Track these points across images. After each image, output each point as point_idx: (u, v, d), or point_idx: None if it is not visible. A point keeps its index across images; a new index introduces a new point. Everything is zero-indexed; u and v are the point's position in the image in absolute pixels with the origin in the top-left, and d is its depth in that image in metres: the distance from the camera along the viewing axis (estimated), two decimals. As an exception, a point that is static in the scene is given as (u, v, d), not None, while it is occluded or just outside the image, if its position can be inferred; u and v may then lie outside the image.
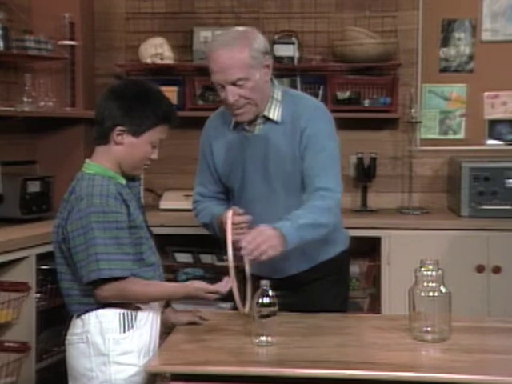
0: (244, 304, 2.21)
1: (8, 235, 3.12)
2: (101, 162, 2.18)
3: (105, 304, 2.12)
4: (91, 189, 2.10)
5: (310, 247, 2.46)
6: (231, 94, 2.36)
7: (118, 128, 2.16)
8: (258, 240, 2.21)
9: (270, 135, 2.48)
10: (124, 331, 2.13)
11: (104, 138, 2.19)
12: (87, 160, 2.23)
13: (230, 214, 2.29)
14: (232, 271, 2.17)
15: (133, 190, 2.25)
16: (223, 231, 2.31)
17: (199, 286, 2.19)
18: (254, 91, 2.39)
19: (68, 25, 4.04)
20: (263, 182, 2.48)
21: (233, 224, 2.27)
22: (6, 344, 3.05)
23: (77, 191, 2.13)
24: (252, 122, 2.48)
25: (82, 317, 2.15)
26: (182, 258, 4.11)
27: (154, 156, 2.24)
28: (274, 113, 2.48)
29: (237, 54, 2.35)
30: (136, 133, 2.17)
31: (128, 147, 2.18)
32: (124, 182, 2.20)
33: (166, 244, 4.01)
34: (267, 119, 2.48)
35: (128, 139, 2.17)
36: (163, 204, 4.14)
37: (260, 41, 2.41)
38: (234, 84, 2.35)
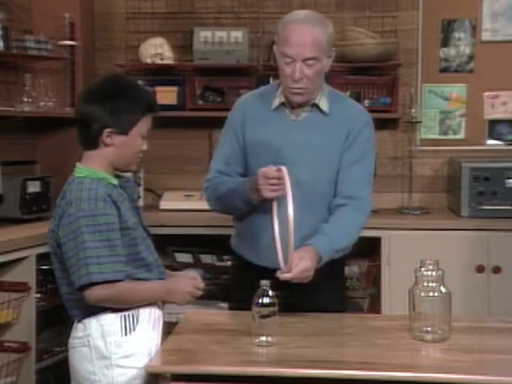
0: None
1: (8, 235, 3.12)
2: (91, 165, 2.17)
3: (106, 307, 2.11)
4: (79, 193, 2.09)
5: None
6: (300, 70, 2.38)
7: (107, 130, 2.14)
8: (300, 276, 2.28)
9: (315, 124, 2.50)
10: (126, 334, 2.12)
11: (92, 143, 2.17)
12: (78, 163, 2.21)
13: (284, 168, 2.27)
14: (291, 224, 2.17)
15: (127, 190, 2.23)
16: (255, 188, 2.35)
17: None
18: (316, 76, 2.42)
19: (68, 25, 4.04)
20: (296, 167, 2.43)
21: (269, 179, 2.30)
22: (6, 344, 3.05)
23: (67, 196, 2.13)
24: (299, 107, 2.50)
25: (84, 321, 2.14)
26: (182, 258, 4.11)
27: (145, 147, 2.22)
28: (324, 104, 2.51)
29: (318, 33, 2.39)
30: (125, 130, 2.15)
31: (119, 147, 2.16)
32: (115, 182, 2.18)
33: (166, 244, 4.01)
34: (316, 108, 2.50)
35: (118, 139, 2.15)
36: (163, 204, 4.14)
37: (332, 31, 2.47)
38: (305, 61, 2.38)
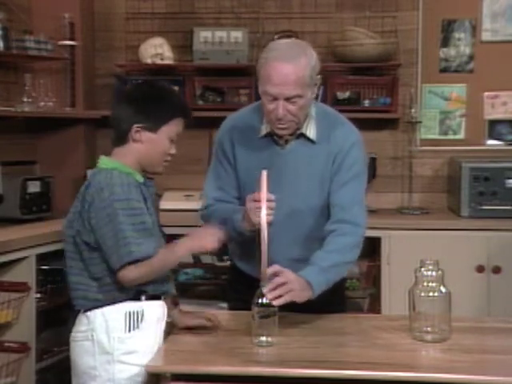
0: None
1: (8, 235, 3.11)
2: (119, 160, 2.20)
3: (112, 302, 2.13)
4: (110, 180, 2.12)
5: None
6: (283, 108, 2.30)
7: (136, 126, 2.18)
8: (283, 291, 2.13)
9: (302, 153, 2.43)
10: (129, 331, 2.14)
11: (122, 139, 2.21)
12: (102, 156, 2.24)
13: (265, 172, 2.20)
14: (265, 232, 2.12)
15: (149, 189, 2.27)
16: (247, 216, 2.28)
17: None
18: (302, 109, 2.34)
19: (68, 25, 4.05)
20: (287, 197, 2.39)
21: (256, 201, 2.23)
22: (6, 344, 3.05)
23: (95, 184, 2.14)
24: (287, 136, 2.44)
25: (88, 314, 2.16)
26: (182, 258, 4.10)
27: (173, 151, 2.26)
28: (311, 131, 2.43)
29: (301, 70, 2.28)
30: (154, 128, 2.19)
31: (147, 144, 2.20)
32: (142, 179, 2.22)
33: (166, 244, 4.00)
34: (302, 136, 2.43)
35: (146, 136, 2.19)
36: (163, 204, 4.13)
37: (316, 59, 2.36)
38: (287, 99, 2.29)
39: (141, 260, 2.09)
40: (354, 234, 2.38)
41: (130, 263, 2.08)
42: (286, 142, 2.45)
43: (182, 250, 2.25)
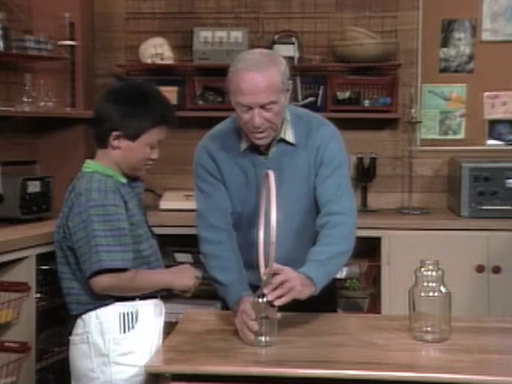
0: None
1: (8, 235, 3.11)
2: (101, 162, 2.21)
3: (105, 303, 2.13)
4: (90, 185, 2.13)
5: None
6: (259, 116, 2.30)
7: (114, 133, 2.17)
8: (284, 290, 2.11)
9: (284, 157, 2.45)
10: (124, 332, 2.14)
11: (102, 142, 2.21)
12: (87, 160, 2.25)
13: (271, 173, 2.15)
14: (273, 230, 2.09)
15: (135, 190, 2.27)
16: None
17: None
18: (277, 115, 2.35)
19: (68, 25, 4.04)
20: (278, 204, 2.36)
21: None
22: (6, 344, 3.04)
23: (76, 188, 2.16)
24: (267, 145, 2.45)
25: (83, 317, 2.17)
26: (182, 258, 4.11)
27: (154, 156, 2.26)
28: (289, 135, 2.45)
29: (271, 77, 2.29)
30: (132, 136, 2.19)
31: (125, 151, 2.20)
32: (124, 181, 2.22)
33: (166, 244, 4.00)
34: (281, 141, 2.45)
35: (125, 143, 2.19)
36: (163, 204, 4.14)
37: (285, 65, 2.38)
38: (262, 107, 2.30)
39: (114, 270, 2.07)
40: (345, 224, 2.40)
41: (100, 272, 2.07)
42: (268, 149, 2.46)
43: (159, 283, 2.24)
